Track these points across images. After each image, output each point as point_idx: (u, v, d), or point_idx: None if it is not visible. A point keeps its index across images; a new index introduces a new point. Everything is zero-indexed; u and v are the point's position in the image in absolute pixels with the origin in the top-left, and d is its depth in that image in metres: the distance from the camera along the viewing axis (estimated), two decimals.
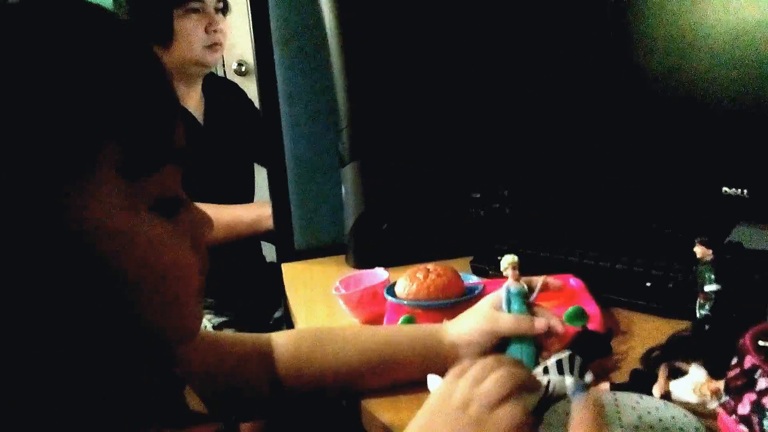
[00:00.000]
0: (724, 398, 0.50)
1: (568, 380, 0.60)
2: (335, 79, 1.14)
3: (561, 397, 0.61)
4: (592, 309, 0.81)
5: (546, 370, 0.61)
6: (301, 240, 1.29)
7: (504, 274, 0.72)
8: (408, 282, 0.85)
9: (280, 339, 0.74)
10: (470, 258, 1.11)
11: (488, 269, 1.06)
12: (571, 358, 0.61)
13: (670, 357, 0.63)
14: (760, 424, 0.45)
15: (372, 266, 1.04)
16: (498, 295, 0.73)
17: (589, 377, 0.62)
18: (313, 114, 1.28)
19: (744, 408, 0.47)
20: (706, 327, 0.67)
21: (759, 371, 0.48)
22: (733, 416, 0.47)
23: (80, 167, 0.40)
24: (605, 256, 0.98)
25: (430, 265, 0.87)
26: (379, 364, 0.71)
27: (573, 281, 0.91)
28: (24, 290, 0.39)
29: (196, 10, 1.47)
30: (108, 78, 0.42)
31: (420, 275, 0.85)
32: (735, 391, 0.49)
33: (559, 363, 0.60)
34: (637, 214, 1.11)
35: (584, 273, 0.94)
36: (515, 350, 0.68)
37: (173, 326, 0.47)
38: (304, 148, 1.28)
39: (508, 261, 0.72)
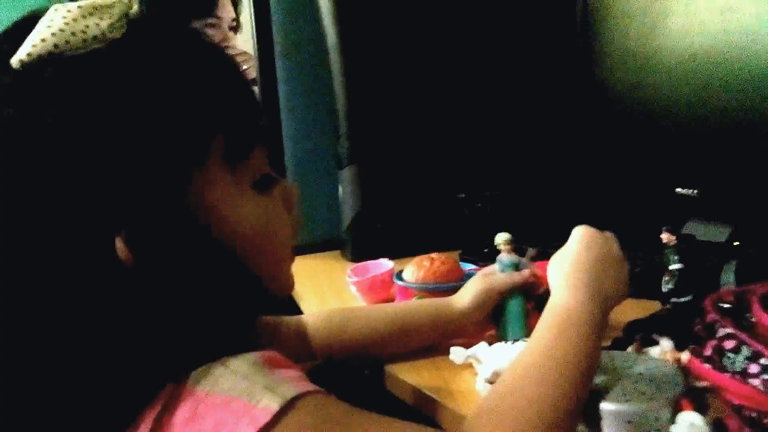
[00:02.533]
0: (692, 347, 0.64)
1: None
2: (335, 88, 1.26)
3: None
4: None
5: None
6: (299, 235, 1.40)
7: (498, 248, 0.85)
8: (416, 268, 0.97)
9: (310, 319, 0.84)
10: (457, 251, 1.24)
11: (476, 261, 1.20)
12: None
13: (647, 330, 0.76)
14: (720, 361, 0.59)
15: (366, 259, 1.16)
16: (490, 268, 0.86)
17: None
18: (311, 122, 1.39)
19: (707, 351, 0.61)
20: (672, 300, 0.81)
21: (717, 324, 0.62)
22: (700, 358, 0.61)
23: (198, 159, 0.48)
24: None
25: (435, 255, 1.00)
26: (400, 332, 0.83)
27: None
28: (154, 259, 0.46)
29: (212, 26, 1.53)
30: (214, 85, 0.51)
31: (426, 263, 0.98)
32: (700, 341, 0.63)
33: None
34: (602, 210, 1.26)
35: None
36: (513, 305, 0.82)
37: (277, 283, 0.56)
38: (302, 152, 1.40)
39: (502, 238, 0.84)
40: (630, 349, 0.75)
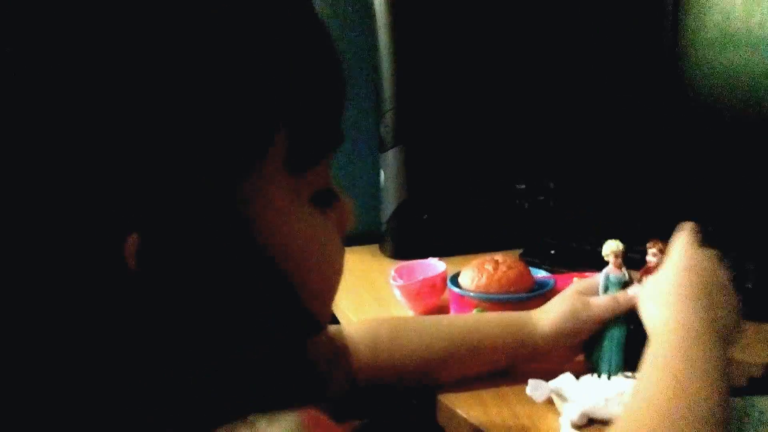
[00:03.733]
0: None
1: None
2: (381, 61, 1.10)
3: None
4: None
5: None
6: None
7: (606, 259, 0.68)
8: (476, 273, 0.80)
9: (353, 329, 0.69)
10: (513, 251, 1.06)
11: (539, 263, 1.02)
12: None
13: None
14: None
15: (409, 256, 1.01)
16: (587, 282, 0.69)
17: None
18: (351, 96, 1.22)
19: None
20: None
21: None
22: None
23: (256, 152, 0.36)
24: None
25: (499, 256, 0.83)
26: (465, 352, 0.67)
27: None
28: (189, 270, 0.35)
29: None
30: (282, 54, 0.37)
31: (489, 267, 0.80)
32: None
33: None
34: (685, 210, 1.08)
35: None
36: (614, 333, 0.65)
37: (321, 315, 0.44)
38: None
39: (611, 248, 0.68)
40: None
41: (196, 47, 0.34)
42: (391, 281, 0.88)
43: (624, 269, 0.68)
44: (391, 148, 1.11)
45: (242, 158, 0.36)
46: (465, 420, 0.63)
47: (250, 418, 0.35)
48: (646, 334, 0.57)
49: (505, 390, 0.66)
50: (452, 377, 0.67)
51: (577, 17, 1.15)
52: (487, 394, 0.66)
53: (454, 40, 1.09)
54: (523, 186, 1.16)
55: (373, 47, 1.10)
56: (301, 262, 0.40)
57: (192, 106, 0.34)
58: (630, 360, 0.61)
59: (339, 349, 0.67)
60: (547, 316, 0.67)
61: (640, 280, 0.66)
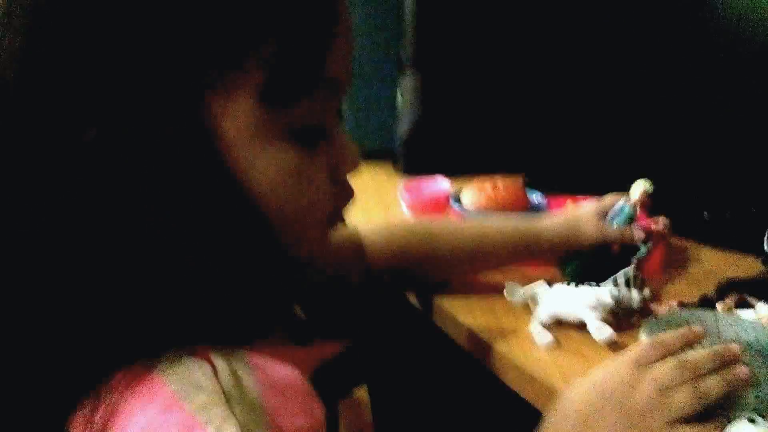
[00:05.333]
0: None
1: (635, 294, 0.65)
2: None
3: (627, 310, 0.65)
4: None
5: (615, 282, 0.65)
6: None
7: (632, 196, 0.76)
8: (476, 192, 0.87)
9: (368, 228, 0.74)
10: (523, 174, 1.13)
11: (542, 188, 1.09)
12: (636, 275, 0.66)
13: (742, 290, 0.66)
14: None
15: (421, 174, 1.07)
16: (602, 204, 0.76)
17: (647, 292, 0.67)
18: (373, 16, 1.26)
19: None
20: None
21: None
22: None
23: (220, 73, 0.36)
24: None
25: (498, 178, 0.89)
26: (473, 256, 0.75)
27: None
28: (145, 172, 0.35)
29: None
30: None
31: (488, 187, 0.87)
32: None
33: (627, 279, 0.65)
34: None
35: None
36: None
37: (292, 248, 0.43)
38: (360, 50, 1.27)
39: (642, 188, 0.75)
40: (718, 307, 0.65)
41: None
42: (399, 196, 0.96)
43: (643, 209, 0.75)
44: (409, 68, 1.16)
45: (209, 66, 0.35)
46: (457, 320, 0.72)
47: (201, 347, 0.36)
48: (611, 251, 0.64)
49: (492, 299, 0.74)
50: (458, 275, 0.76)
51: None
52: (476, 301, 0.74)
53: None
54: (536, 114, 1.20)
55: None
56: (270, 193, 0.39)
57: (160, 5, 0.34)
58: (595, 272, 0.69)
59: (356, 243, 0.72)
60: (557, 230, 0.74)
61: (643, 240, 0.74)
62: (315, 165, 0.41)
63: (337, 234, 0.72)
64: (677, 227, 0.91)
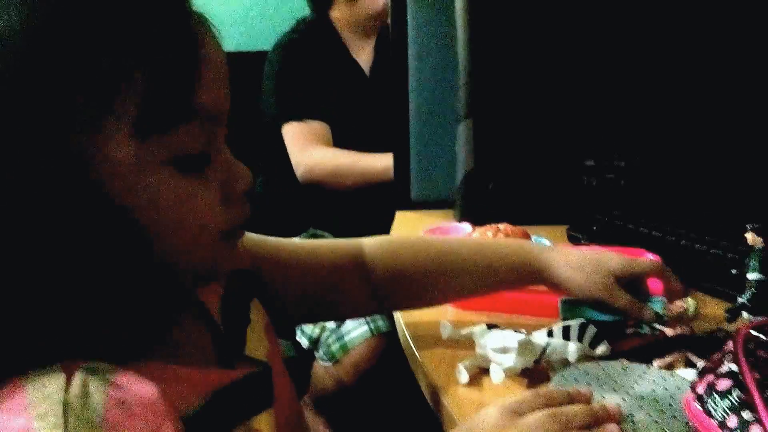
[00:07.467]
0: (694, 380, 0.50)
1: (571, 346, 0.63)
2: (458, 35, 1.18)
3: (560, 361, 0.64)
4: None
5: (550, 333, 0.64)
6: (417, 191, 1.37)
7: (671, 301, 0.73)
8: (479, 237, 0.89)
9: (371, 243, 0.75)
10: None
11: (581, 237, 1.07)
12: (582, 327, 0.64)
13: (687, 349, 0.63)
14: (707, 403, 0.46)
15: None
16: (627, 263, 0.72)
17: (602, 348, 0.64)
18: (440, 70, 1.32)
19: (700, 387, 0.48)
20: (743, 314, 0.65)
21: (729, 356, 0.48)
22: (692, 393, 0.48)
23: (96, 115, 0.40)
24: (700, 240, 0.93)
25: (502, 225, 0.91)
26: (439, 272, 0.74)
27: (651, 257, 0.89)
28: (39, 225, 0.39)
29: None
30: (132, 14, 0.40)
31: (490, 233, 0.89)
32: (702, 372, 0.49)
33: (566, 329, 0.63)
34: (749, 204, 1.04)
35: (668, 254, 0.91)
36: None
37: (185, 268, 0.47)
38: (428, 102, 1.34)
39: (685, 306, 0.74)
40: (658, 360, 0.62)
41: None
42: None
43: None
44: (463, 120, 1.20)
45: (77, 108, 0.39)
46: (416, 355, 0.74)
47: (70, 361, 0.39)
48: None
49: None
50: (454, 300, 0.79)
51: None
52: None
53: (526, 18, 1.14)
54: (592, 162, 1.18)
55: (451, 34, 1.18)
56: (159, 217, 0.43)
57: (27, 56, 0.38)
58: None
59: (359, 261, 0.73)
60: (568, 275, 0.72)
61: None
62: (203, 189, 0.45)
63: (336, 246, 0.75)
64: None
